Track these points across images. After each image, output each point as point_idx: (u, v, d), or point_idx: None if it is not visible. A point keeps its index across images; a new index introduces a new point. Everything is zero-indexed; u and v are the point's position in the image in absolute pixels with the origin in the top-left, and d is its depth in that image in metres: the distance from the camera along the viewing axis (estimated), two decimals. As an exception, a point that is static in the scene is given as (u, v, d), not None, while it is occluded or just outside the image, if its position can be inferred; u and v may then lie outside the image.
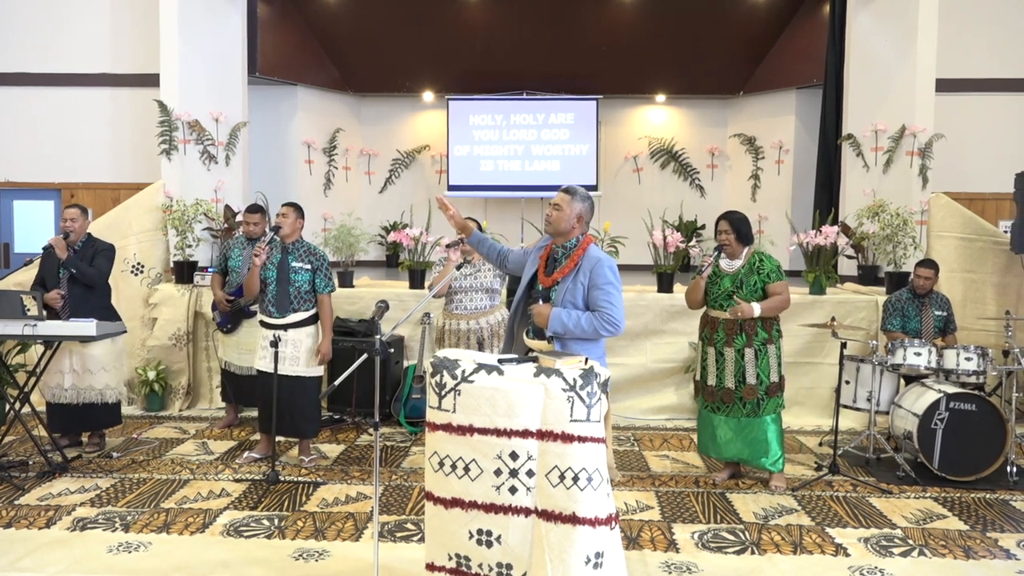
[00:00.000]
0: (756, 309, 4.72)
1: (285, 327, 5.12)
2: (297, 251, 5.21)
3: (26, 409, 5.26)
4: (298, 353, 5.12)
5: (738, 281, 4.83)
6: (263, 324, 5.24)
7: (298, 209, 5.28)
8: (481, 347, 5.23)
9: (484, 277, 5.31)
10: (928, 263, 6.11)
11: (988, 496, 4.94)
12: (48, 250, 5.47)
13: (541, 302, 3.49)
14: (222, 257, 6.22)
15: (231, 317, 6.11)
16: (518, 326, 3.63)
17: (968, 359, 5.35)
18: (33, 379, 5.24)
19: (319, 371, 5.27)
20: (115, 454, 5.52)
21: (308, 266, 5.17)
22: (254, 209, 6.16)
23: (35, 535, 4.13)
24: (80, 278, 5.43)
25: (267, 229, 6.24)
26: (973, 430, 5.09)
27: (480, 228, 5.36)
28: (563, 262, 3.52)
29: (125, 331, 5.50)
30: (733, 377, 4.87)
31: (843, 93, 8.18)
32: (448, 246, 5.03)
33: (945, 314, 6.09)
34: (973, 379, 5.38)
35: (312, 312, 5.21)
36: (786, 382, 5.05)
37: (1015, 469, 5.15)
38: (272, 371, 5.05)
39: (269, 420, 5.21)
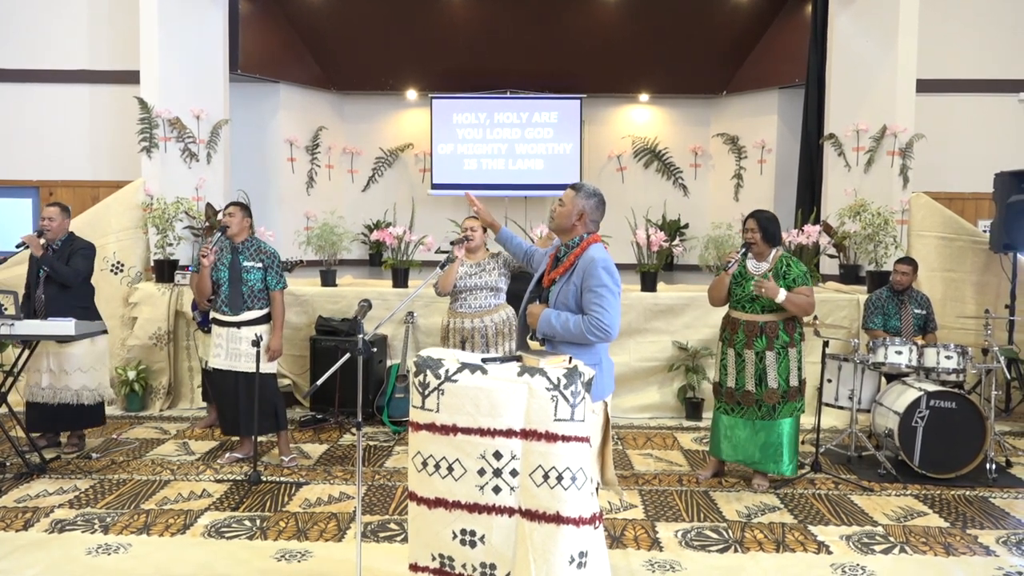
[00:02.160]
0: (781, 295, 4.64)
1: (239, 325, 5.11)
2: (247, 250, 5.19)
3: (3, 410, 5.20)
4: (252, 350, 5.09)
5: None
6: (216, 322, 5.22)
7: (245, 208, 5.28)
8: (487, 346, 5.22)
9: (489, 276, 5.30)
10: (907, 260, 6.17)
11: (968, 493, 4.98)
12: (22, 246, 5.41)
13: (539, 302, 3.45)
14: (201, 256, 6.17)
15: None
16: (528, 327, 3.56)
17: (948, 357, 5.40)
18: (10, 379, 5.17)
19: (273, 367, 5.27)
20: (94, 455, 5.46)
21: (259, 264, 5.16)
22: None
23: (12, 537, 4.07)
24: (54, 277, 5.35)
25: (216, 229, 6.22)
26: (953, 428, 5.14)
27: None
28: (563, 261, 3.43)
29: (105, 331, 5.44)
30: (753, 379, 4.83)
31: (825, 93, 8.24)
32: (453, 243, 5.00)
33: (925, 312, 6.14)
34: (953, 377, 5.43)
35: (266, 311, 5.20)
36: (806, 386, 4.98)
37: (994, 466, 5.20)
38: (226, 369, 5.14)
39: (228, 421, 5.28)
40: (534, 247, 3.97)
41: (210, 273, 5.12)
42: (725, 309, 5.06)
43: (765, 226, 4.79)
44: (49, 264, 5.32)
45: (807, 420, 6.43)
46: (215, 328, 5.23)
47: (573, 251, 3.39)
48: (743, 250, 4.86)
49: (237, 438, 5.45)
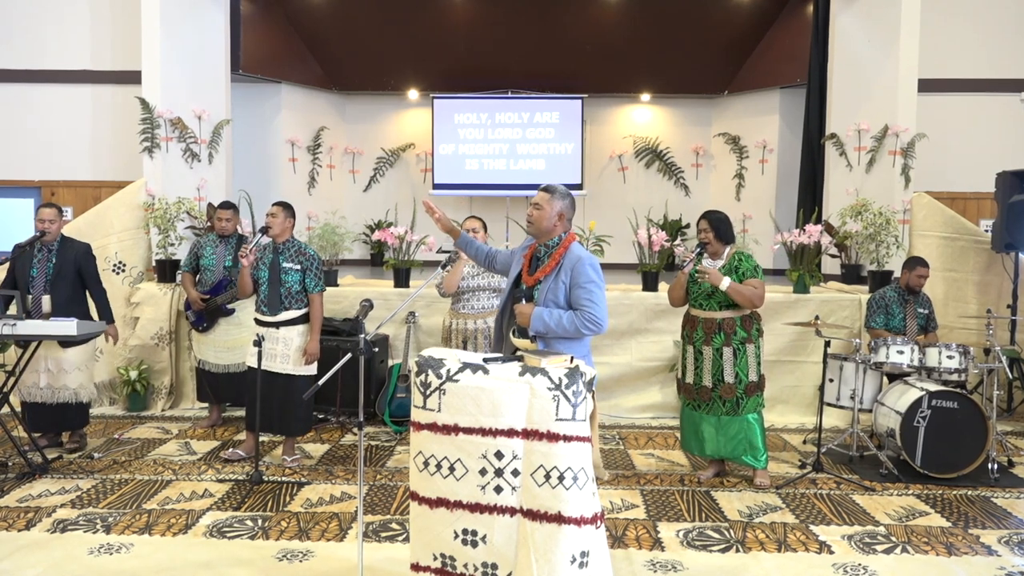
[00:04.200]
0: (725, 282, 4.75)
1: (277, 325, 5.11)
2: (288, 251, 5.18)
3: (5, 409, 5.20)
4: (288, 351, 5.11)
5: None
6: (257, 322, 5.24)
7: (288, 208, 5.24)
8: (489, 346, 5.24)
9: (492, 277, 5.32)
10: (924, 263, 6.09)
11: (970, 493, 4.98)
12: (20, 249, 5.41)
13: (524, 301, 3.49)
14: (193, 255, 6.18)
15: (207, 315, 6.07)
16: (506, 326, 3.63)
17: (950, 357, 5.40)
18: (12, 379, 5.18)
19: (311, 370, 5.23)
20: (96, 455, 5.46)
21: (298, 266, 5.16)
22: (226, 206, 6.14)
23: (15, 537, 4.08)
24: (106, 300, 5.60)
25: (238, 228, 6.22)
26: (955, 428, 5.13)
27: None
28: (545, 261, 3.52)
29: (104, 331, 5.43)
30: (711, 375, 4.91)
31: (826, 93, 8.23)
32: (456, 245, 5.00)
33: (927, 312, 6.14)
34: (955, 377, 5.42)
35: (304, 311, 5.19)
36: (767, 381, 5.09)
37: (996, 466, 5.19)
38: (267, 369, 5.08)
39: (260, 418, 5.22)
40: (496, 249, 3.99)
41: (250, 272, 5.12)
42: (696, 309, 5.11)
43: (717, 226, 4.92)
44: (104, 307, 5.58)
45: (808, 420, 6.46)
46: (256, 327, 5.22)
47: (556, 250, 3.50)
48: (698, 250, 4.97)
49: (240, 437, 5.45)
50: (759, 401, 4.97)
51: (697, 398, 5.00)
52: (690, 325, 5.04)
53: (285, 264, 5.14)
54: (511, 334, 3.55)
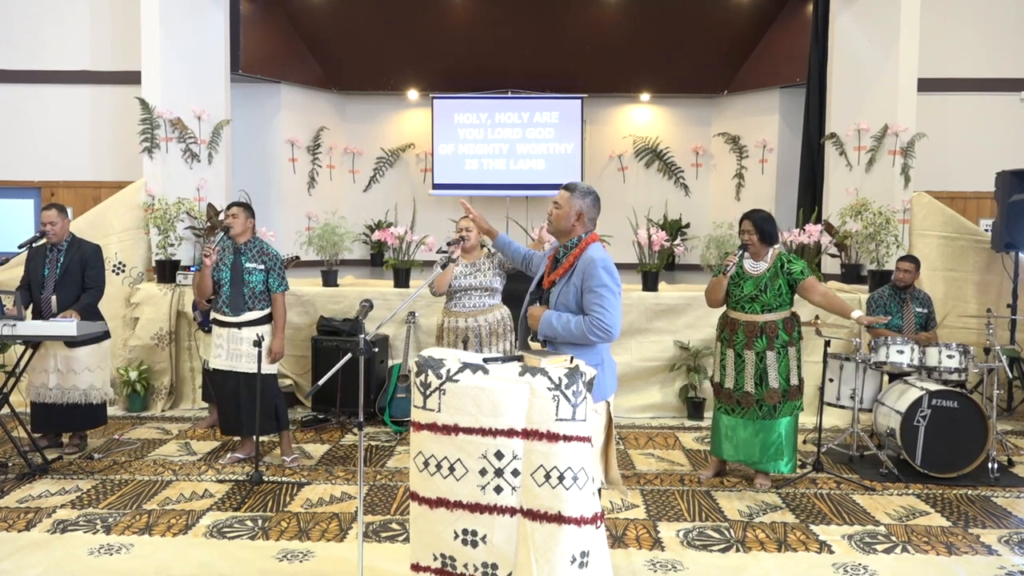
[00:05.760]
0: (856, 312, 4.79)
1: (239, 325, 5.11)
2: (250, 251, 5.18)
3: (5, 410, 5.20)
4: (253, 351, 5.09)
5: (762, 285, 4.76)
6: (217, 323, 5.21)
7: (248, 209, 5.26)
8: (480, 345, 5.23)
9: (484, 276, 5.32)
10: (909, 258, 6.17)
11: (970, 492, 4.98)
12: (30, 249, 5.43)
13: (539, 304, 3.44)
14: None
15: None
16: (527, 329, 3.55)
17: (950, 357, 5.40)
18: (12, 380, 5.18)
19: (273, 368, 5.25)
20: (96, 455, 5.46)
21: (261, 266, 5.16)
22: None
23: (15, 538, 4.08)
24: (93, 303, 5.48)
25: (218, 229, 6.23)
26: (955, 427, 5.13)
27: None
28: (562, 262, 3.41)
29: (107, 330, 5.43)
30: (753, 380, 4.83)
31: (826, 92, 8.23)
32: (450, 244, 5.01)
33: (926, 311, 6.14)
34: (955, 376, 5.42)
35: (267, 312, 5.20)
36: (805, 385, 4.98)
37: (996, 466, 5.19)
38: (227, 369, 5.13)
39: (229, 421, 5.27)
40: (532, 251, 3.96)
41: (211, 273, 5.12)
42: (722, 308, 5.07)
43: (761, 226, 4.77)
44: (87, 307, 5.42)
45: (808, 420, 6.45)
46: (216, 328, 5.23)
47: (572, 252, 3.38)
48: (740, 251, 4.83)
49: (239, 438, 5.46)
50: (796, 405, 4.87)
51: (734, 403, 4.91)
52: (730, 328, 4.92)
53: (248, 264, 5.13)
54: (529, 338, 3.48)
